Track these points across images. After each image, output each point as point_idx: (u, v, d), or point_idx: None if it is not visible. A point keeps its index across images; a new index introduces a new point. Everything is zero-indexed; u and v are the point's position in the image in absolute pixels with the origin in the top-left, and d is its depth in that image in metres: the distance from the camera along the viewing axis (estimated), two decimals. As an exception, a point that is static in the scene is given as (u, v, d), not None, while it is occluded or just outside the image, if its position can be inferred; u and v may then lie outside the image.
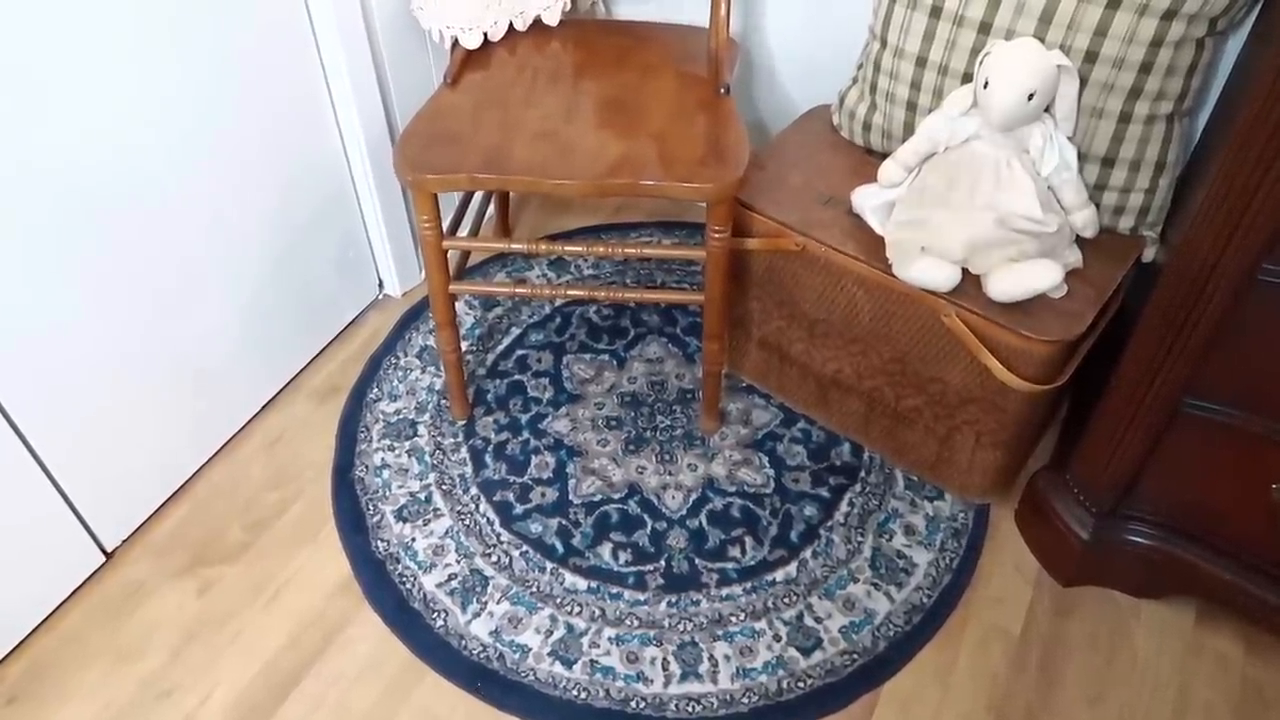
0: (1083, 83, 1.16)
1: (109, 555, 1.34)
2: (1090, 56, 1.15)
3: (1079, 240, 1.24)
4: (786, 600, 1.29)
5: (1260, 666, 1.24)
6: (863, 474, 1.44)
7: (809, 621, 1.27)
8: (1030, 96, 1.10)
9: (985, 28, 1.19)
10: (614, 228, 1.88)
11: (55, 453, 1.21)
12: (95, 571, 1.32)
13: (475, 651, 1.24)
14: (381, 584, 1.31)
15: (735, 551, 1.34)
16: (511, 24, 1.43)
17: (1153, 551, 1.24)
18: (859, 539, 1.36)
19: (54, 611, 1.28)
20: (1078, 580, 1.32)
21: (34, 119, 1.05)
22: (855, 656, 1.23)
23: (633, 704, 1.19)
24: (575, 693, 1.20)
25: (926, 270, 1.18)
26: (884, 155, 1.29)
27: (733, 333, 1.51)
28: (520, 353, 1.62)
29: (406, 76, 1.54)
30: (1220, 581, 1.20)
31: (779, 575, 1.32)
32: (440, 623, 1.27)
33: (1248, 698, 1.21)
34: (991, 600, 1.31)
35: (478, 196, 1.68)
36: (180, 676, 1.22)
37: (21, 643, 1.25)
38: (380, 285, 1.72)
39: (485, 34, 1.40)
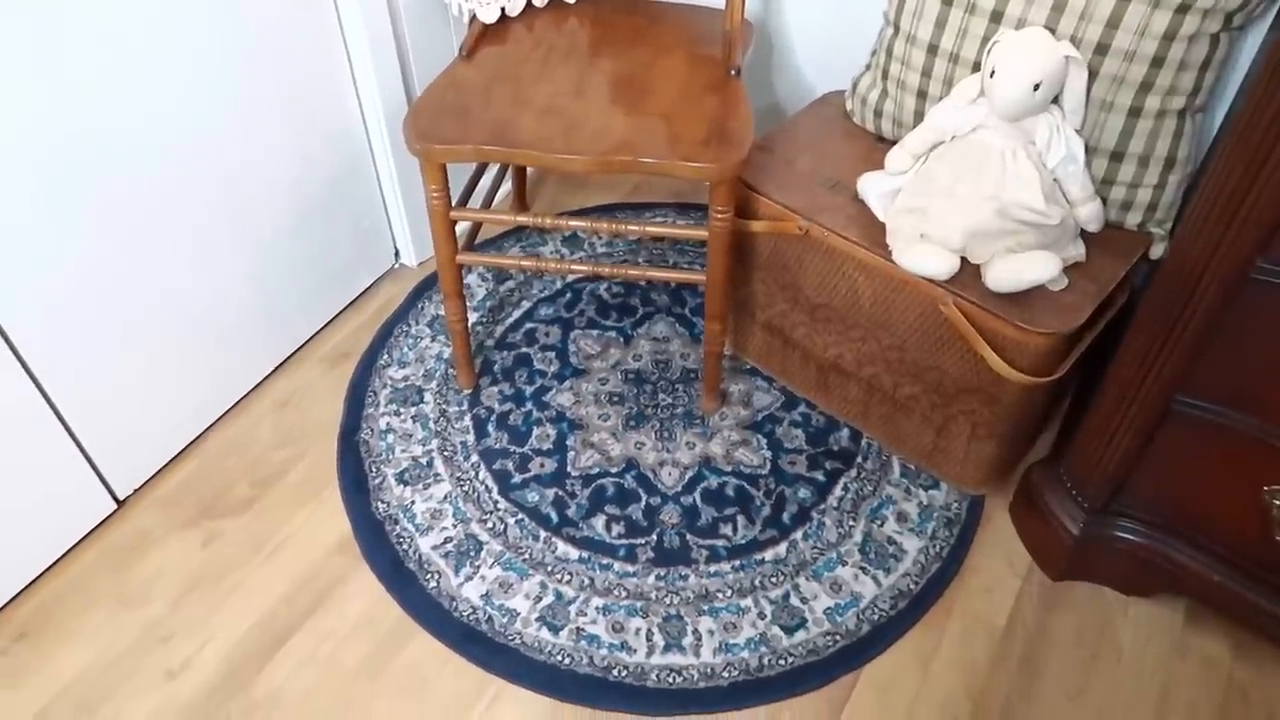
0: (1092, 75, 1.15)
1: (120, 503, 1.39)
2: (1101, 49, 1.14)
3: (1084, 234, 1.24)
4: (774, 580, 1.30)
5: (1247, 669, 1.23)
6: (859, 460, 1.45)
7: (795, 601, 1.28)
8: (1036, 87, 1.09)
9: (997, 16, 1.19)
10: (630, 207, 1.89)
11: (72, 402, 1.25)
12: (106, 519, 1.37)
13: (465, 613, 1.27)
14: (379, 544, 1.34)
15: (727, 529, 1.36)
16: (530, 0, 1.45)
17: (1143, 549, 1.24)
18: (850, 523, 1.37)
19: (64, 555, 1.33)
20: (1068, 575, 1.32)
21: (63, 59, 1.07)
22: (838, 638, 1.25)
23: (615, 672, 1.21)
24: (560, 658, 1.22)
25: (925, 257, 1.18)
26: (894, 142, 1.29)
27: (738, 315, 1.52)
28: (529, 326, 1.64)
29: (427, 49, 1.56)
30: (1209, 582, 1.20)
31: (768, 555, 1.33)
32: (433, 584, 1.30)
33: (1231, 699, 1.21)
34: (979, 590, 1.31)
35: (492, 169, 1.70)
36: (179, 624, 1.26)
37: (32, 583, 1.30)
38: (396, 254, 1.75)
39: (503, 9, 1.42)
